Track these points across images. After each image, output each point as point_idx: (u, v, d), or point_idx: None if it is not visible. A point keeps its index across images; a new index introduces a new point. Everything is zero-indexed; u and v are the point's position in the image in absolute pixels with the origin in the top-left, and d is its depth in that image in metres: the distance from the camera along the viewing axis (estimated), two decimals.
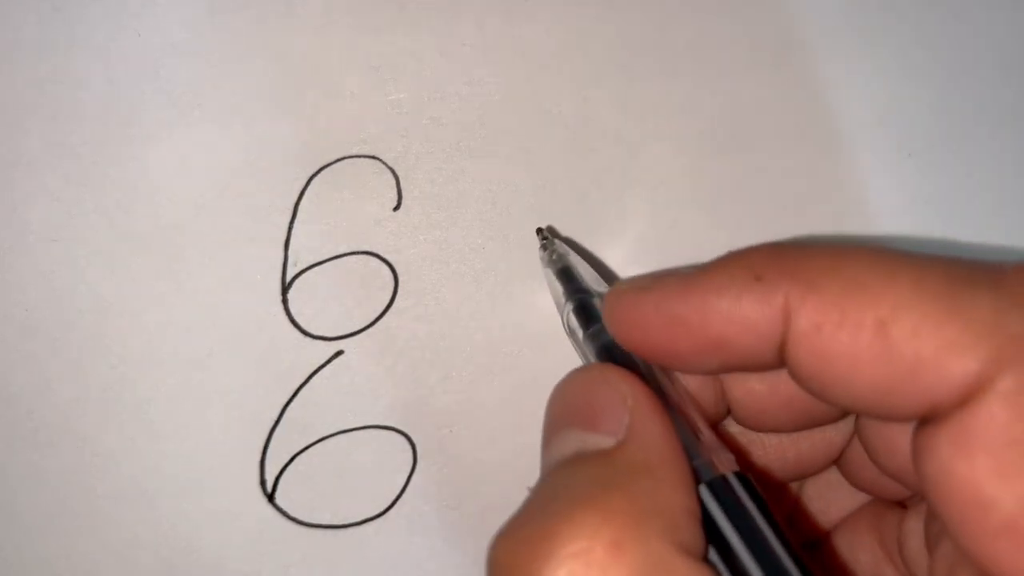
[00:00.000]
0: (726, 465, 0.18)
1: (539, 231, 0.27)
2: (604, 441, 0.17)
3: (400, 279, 0.27)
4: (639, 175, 0.28)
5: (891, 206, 0.29)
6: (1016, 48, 0.30)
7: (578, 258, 0.26)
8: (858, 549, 0.22)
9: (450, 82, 0.27)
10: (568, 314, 0.24)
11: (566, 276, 0.25)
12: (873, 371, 0.15)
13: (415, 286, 0.27)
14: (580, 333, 0.23)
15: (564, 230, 0.28)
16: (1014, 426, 0.14)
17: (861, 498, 0.23)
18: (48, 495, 0.26)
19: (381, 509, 0.28)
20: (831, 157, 0.29)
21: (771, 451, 0.22)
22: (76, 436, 0.26)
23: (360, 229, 0.27)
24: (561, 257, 0.25)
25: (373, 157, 0.27)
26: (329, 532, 0.27)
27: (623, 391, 0.18)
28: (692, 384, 0.21)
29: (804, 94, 0.29)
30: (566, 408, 0.19)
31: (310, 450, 0.27)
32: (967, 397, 0.15)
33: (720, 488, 0.17)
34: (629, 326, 0.19)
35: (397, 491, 0.28)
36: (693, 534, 0.16)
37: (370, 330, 0.27)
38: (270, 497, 0.27)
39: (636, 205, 0.28)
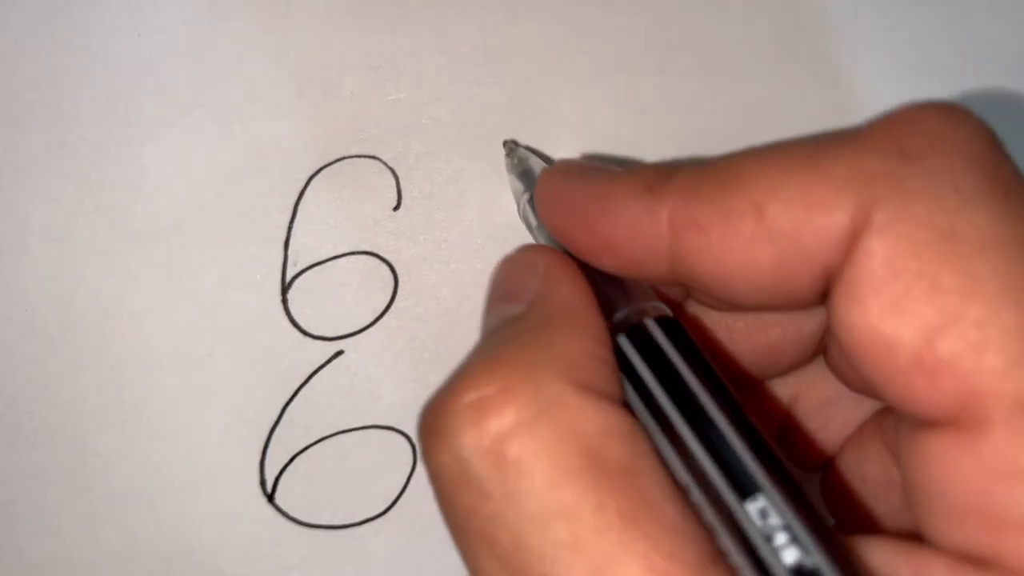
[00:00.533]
0: (652, 313, 0.18)
1: (505, 143, 0.27)
2: (517, 309, 0.19)
3: (400, 279, 0.27)
4: None
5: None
6: (1016, 48, 0.30)
7: (540, 161, 0.25)
8: (865, 462, 0.21)
9: (450, 82, 0.27)
10: (524, 207, 0.25)
11: (526, 176, 0.25)
12: (762, 257, 0.15)
13: (415, 286, 0.27)
14: (533, 223, 0.24)
15: None
16: (895, 259, 0.14)
17: (865, 410, 0.22)
18: (48, 495, 0.26)
19: (381, 509, 0.28)
20: None
21: (738, 336, 0.21)
22: (76, 436, 0.26)
23: (360, 229, 0.27)
24: (522, 160, 0.25)
25: (373, 157, 0.27)
26: (329, 532, 0.27)
27: (537, 263, 0.20)
28: None
29: (804, 94, 0.29)
30: (492, 289, 0.21)
31: (310, 450, 0.27)
32: (850, 248, 0.14)
33: (638, 334, 0.17)
34: (547, 209, 0.20)
35: (397, 491, 0.28)
36: (597, 374, 0.16)
37: (370, 330, 0.27)
38: (270, 497, 0.27)
39: None
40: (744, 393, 0.22)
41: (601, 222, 0.18)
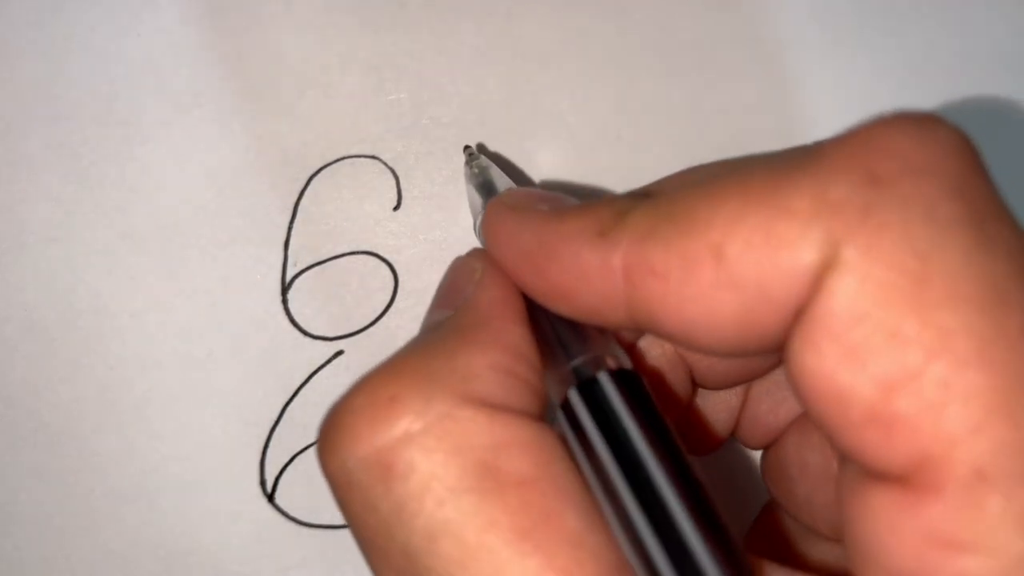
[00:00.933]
0: (610, 364, 0.17)
1: (466, 148, 0.26)
2: (445, 315, 0.18)
3: (400, 279, 0.27)
4: (639, 175, 0.28)
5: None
6: (1016, 48, 0.30)
7: (501, 175, 0.24)
8: (806, 450, 0.21)
9: (450, 82, 0.27)
10: (479, 224, 0.23)
11: (485, 190, 0.23)
12: (725, 305, 0.14)
13: (415, 286, 0.27)
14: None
15: None
16: (859, 303, 0.13)
17: None
18: (48, 495, 0.26)
19: None
20: None
21: (697, 357, 0.20)
22: (76, 436, 0.26)
23: (360, 229, 0.27)
24: (482, 171, 0.24)
25: (373, 157, 0.27)
26: (329, 532, 0.27)
27: (475, 269, 0.19)
28: None
29: (804, 94, 0.29)
30: (435, 293, 0.20)
31: (310, 450, 0.27)
32: (816, 287, 0.13)
33: (590, 389, 0.16)
34: (494, 248, 0.19)
35: None
36: (501, 387, 0.16)
37: (370, 330, 0.27)
38: (270, 497, 0.27)
39: None
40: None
41: (550, 269, 0.17)
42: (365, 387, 0.16)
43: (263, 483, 0.27)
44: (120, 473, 0.26)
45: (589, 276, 0.16)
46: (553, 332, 0.18)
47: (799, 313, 0.13)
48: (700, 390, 0.22)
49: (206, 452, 0.27)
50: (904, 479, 0.13)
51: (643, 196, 0.16)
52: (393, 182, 0.27)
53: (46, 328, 0.26)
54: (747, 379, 0.21)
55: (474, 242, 0.28)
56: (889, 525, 0.13)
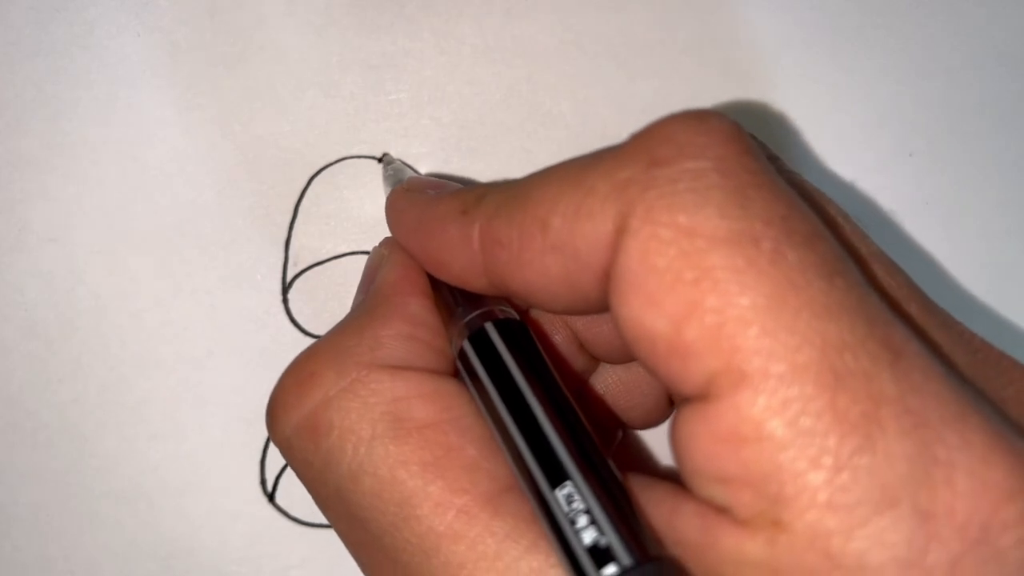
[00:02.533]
0: (499, 316, 0.20)
1: (383, 156, 0.27)
2: (360, 298, 0.22)
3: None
4: None
5: (891, 206, 0.29)
6: (1016, 48, 0.30)
7: (412, 172, 0.26)
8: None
9: (450, 82, 0.27)
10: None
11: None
12: (552, 267, 0.17)
13: None
14: None
15: None
16: (646, 257, 0.15)
17: None
18: (48, 495, 0.26)
19: None
20: (831, 157, 0.29)
21: (583, 333, 0.23)
22: (76, 436, 0.26)
23: (360, 229, 0.27)
24: (396, 172, 0.26)
25: (373, 157, 0.27)
26: (329, 532, 0.27)
27: (382, 254, 0.22)
28: None
29: (804, 94, 0.29)
30: (359, 282, 0.23)
31: None
32: (615, 250, 0.16)
33: (478, 336, 0.19)
34: (391, 225, 0.22)
35: None
36: (405, 351, 0.19)
37: None
38: (270, 497, 0.27)
39: None
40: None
41: (429, 242, 0.20)
42: (291, 369, 0.20)
43: (263, 483, 0.27)
44: (120, 473, 0.26)
45: (454, 247, 0.19)
46: (452, 298, 0.21)
47: (609, 273, 0.16)
48: (631, 371, 0.24)
49: (206, 452, 0.27)
50: (701, 396, 0.15)
51: (499, 183, 0.20)
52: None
53: (46, 328, 0.26)
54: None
55: None
56: (690, 433, 0.15)
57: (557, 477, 0.17)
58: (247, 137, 0.27)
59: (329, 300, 0.27)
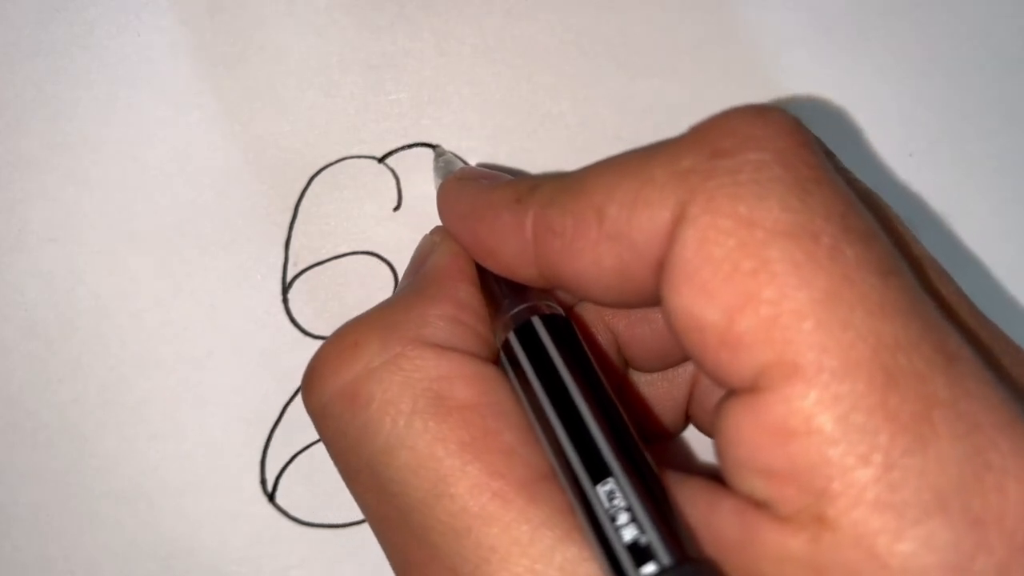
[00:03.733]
0: (544, 311, 0.20)
1: (435, 147, 0.27)
2: (409, 281, 0.22)
3: (400, 279, 0.27)
4: None
5: (891, 206, 0.29)
6: (1016, 48, 0.30)
7: (462, 164, 0.26)
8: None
9: (450, 82, 0.27)
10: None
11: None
12: (607, 256, 0.17)
13: None
14: None
15: None
16: (703, 247, 0.15)
17: None
18: (48, 495, 0.26)
19: None
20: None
21: (625, 333, 0.23)
22: (76, 436, 0.26)
23: (360, 229, 0.27)
24: (447, 164, 0.26)
25: (373, 157, 0.27)
26: (329, 532, 0.27)
27: (433, 240, 0.23)
28: None
29: (803, 94, 0.29)
30: (407, 265, 0.24)
31: (310, 450, 0.27)
32: (671, 240, 0.16)
33: (525, 330, 0.19)
34: (443, 214, 0.22)
35: None
36: (449, 332, 0.19)
37: None
38: (270, 497, 0.27)
39: None
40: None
41: (479, 228, 0.20)
42: (334, 337, 0.20)
43: (263, 483, 0.27)
44: (120, 473, 0.26)
45: (506, 235, 0.19)
46: (499, 289, 0.21)
47: (663, 263, 0.16)
48: (653, 386, 0.24)
49: (206, 452, 0.27)
50: (751, 387, 0.15)
51: (557, 174, 0.19)
52: (393, 182, 0.27)
53: (46, 328, 0.26)
54: (669, 363, 0.23)
55: None
56: (737, 426, 0.15)
57: (599, 473, 0.17)
58: (247, 137, 0.27)
59: (329, 300, 0.27)
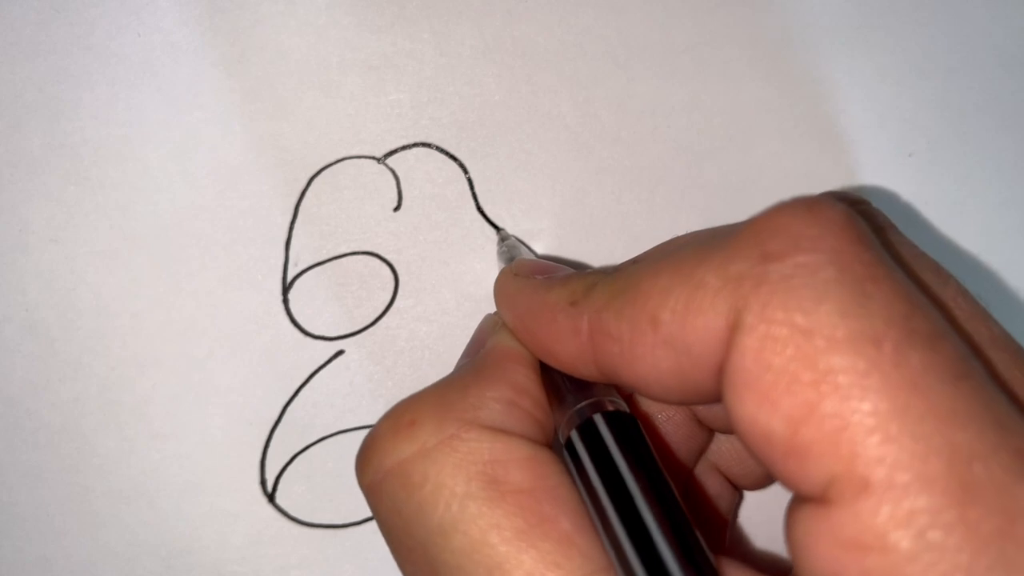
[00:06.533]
0: (607, 407, 0.20)
1: (499, 230, 0.28)
2: (467, 361, 0.22)
3: (400, 279, 0.27)
4: (638, 175, 0.28)
5: (891, 206, 0.29)
6: (1016, 48, 0.30)
7: (525, 249, 0.27)
8: None
9: (450, 82, 0.27)
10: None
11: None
12: (664, 361, 0.17)
13: (415, 286, 0.27)
14: None
15: (563, 229, 0.28)
16: (761, 356, 0.15)
17: None
18: (48, 495, 0.26)
19: None
20: (831, 157, 0.29)
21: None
22: (76, 436, 0.26)
23: (360, 229, 0.27)
24: (511, 249, 0.26)
25: (373, 157, 0.27)
26: (329, 532, 0.27)
27: (495, 323, 0.23)
28: None
29: (804, 94, 0.29)
30: (467, 345, 0.24)
31: (310, 450, 0.27)
32: (729, 347, 0.16)
33: (588, 429, 0.19)
34: (501, 311, 0.23)
35: None
36: (505, 415, 0.19)
37: (370, 330, 0.27)
38: (270, 497, 0.27)
39: (635, 205, 0.28)
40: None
41: (536, 329, 0.20)
42: (391, 414, 0.20)
43: (263, 483, 0.27)
44: (120, 473, 0.26)
45: (564, 338, 0.19)
46: (562, 382, 0.21)
47: (723, 367, 0.16)
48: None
49: (206, 452, 0.27)
50: (821, 497, 0.15)
51: (609, 272, 0.20)
52: (393, 182, 0.27)
53: (47, 328, 0.26)
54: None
55: (475, 245, 0.28)
56: (809, 535, 0.15)
57: (656, 569, 0.16)
58: (247, 137, 0.27)
59: (329, 300, 0.27)
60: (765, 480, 0.25)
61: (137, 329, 0.26)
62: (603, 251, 0.28)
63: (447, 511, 0.18)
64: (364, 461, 0.20)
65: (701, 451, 0.25)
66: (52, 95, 0.26)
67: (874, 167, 0.29)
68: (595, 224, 0.28)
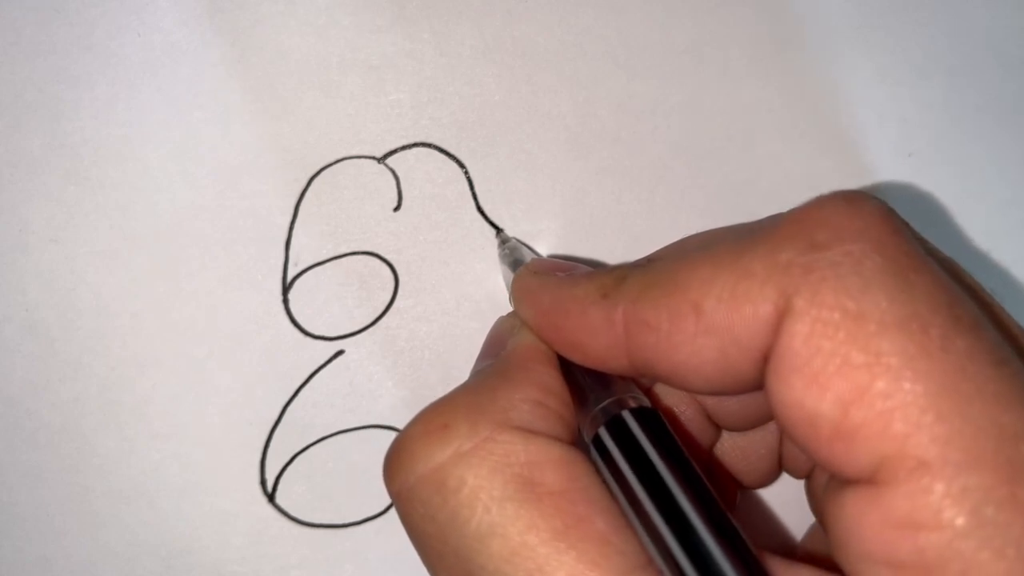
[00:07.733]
0: (631, 404, 0.20)
1: (499, 233, 0.28)
2: (488, 363, 0.22)
3: (400, 279, 0.27)
4: (638, 175, 0.28)
5: (891, 206, 0.29)
6: (1016, 48, 0.30)
7: (529, 252, 0.27)
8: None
9: (450, 82, 0.27)
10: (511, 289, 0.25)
11: (515, 264, 0.26)
12: (705, 350, 0.17)
13: (415, 286, 0.27)
14: None
15: (564, 230, 0.28)
16: (811, 340, 0.16)
17: None
18: (48, 495, 0.26)
19: (381, 509, 0.28)
20: (831, 157, 0.29)
21: (711, 402, 0.24)
22: (76, 436, 0.26)
23: (360, 229, 0.27)
24: (512, 251, 0.26)
25: (373, 157, 0.27)
26: (329, 532, 0.27)
27: (513, 324, 0.23)
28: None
29: (804, 94, 0.29)
30: (481, 347, 0.24)
31: (310, 450, 0.27)
32: (776, 333, 0.16)
33: (616, 426, 0.20)
34: (521, 309, 0.23)
35: None
36: (535, 416, 0.19)
37: (370, 330, 0.27)
38: (270, 497, 0.27)
39: (635, 205, 0.28)
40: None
41: (565, 324, 0.20)
42: (421, 418, 0.19)
43: (263, 483, 0.27)
44: (120, 473, 0.26)
45: (595, 330, 0.19)
46: (583, 381, 0.21)
47: (768, 354, 0.16)
48: (745, 437, 0.25)
49: (206, 452, 0.27)
50: (868, 479, 0.15)
51: (637, 265, 0.20)
52: (393, 182, 0.27)
53: (46, 328, 0.26)
54: (760, 422, 0.24)
55: (475, 245, 0.28)
56: (858, 517, 0.15)
57: (704, 565, 0.17)
58: (247, 137, 0.27)
59: (329, 300, 0.27)
60: (768, 478, 0.25)
61: (137, 329, 0.26)
62: (603, 251, 0.28)
63: (485, 515, 0.18)
64: (395, 466, 0.19)
65: (709, 448, 0.25)
66: (52, 95, 0.26)
67: (874, 167, 0.29)
68: (595, 224, 0.28)
